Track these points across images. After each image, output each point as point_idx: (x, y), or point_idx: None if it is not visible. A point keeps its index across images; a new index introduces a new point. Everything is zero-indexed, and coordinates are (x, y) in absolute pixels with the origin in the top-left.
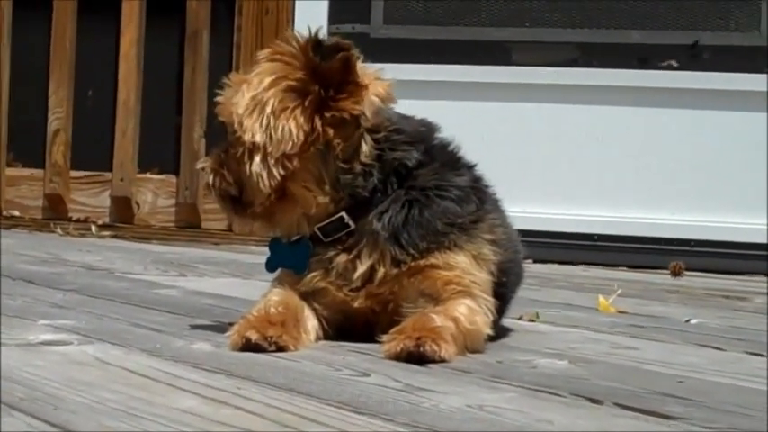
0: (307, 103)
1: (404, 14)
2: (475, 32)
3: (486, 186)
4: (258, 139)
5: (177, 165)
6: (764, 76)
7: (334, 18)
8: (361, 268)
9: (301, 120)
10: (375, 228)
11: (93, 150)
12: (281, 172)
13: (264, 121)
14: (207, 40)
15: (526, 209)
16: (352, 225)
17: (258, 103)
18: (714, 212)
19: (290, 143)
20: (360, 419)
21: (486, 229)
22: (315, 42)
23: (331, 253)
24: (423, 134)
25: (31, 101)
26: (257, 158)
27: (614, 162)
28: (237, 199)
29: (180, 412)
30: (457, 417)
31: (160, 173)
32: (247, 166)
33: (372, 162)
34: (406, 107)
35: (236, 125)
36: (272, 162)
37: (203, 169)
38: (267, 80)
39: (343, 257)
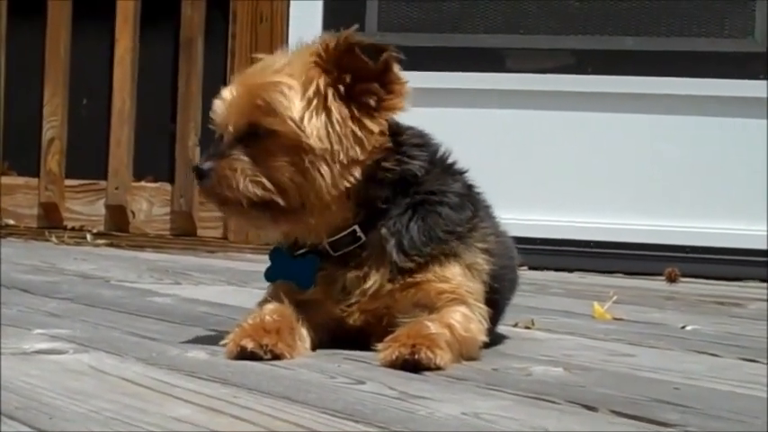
0: (365, 107)
1: (398, 21)
2: (469, 39)
3: (478, 193)
4: (326, 144)
5: (172, 173)
6: (759, 82)
7: (328, 25)
8: (370, 282)
9: (369, 124)
10: (385, 242)
11: (87, 158)
12: (349, 179)
13: (331, 127)
14: (201, 47)
15: (521, 216)
16: (364, 238)
17: (318, 108)
18: (709, 219)
19: (358, 149)
20: (355, 428)
21: (479, 238)
22: (364, 45)
23: (339, 270)
24: (425, 140)
25: (26, 109)
26: (323, 164)
27: (610, 169)
28: (273, 205)
29: (175, 421)
30: (452, 424)
31: (155, 181)
32: (312, 172)
33: (393, 168)
34: (400, 115)
35: (293, 130)
36: (337, 168)
37: (227, 173)
38: (319, 83)
39: (352, 274)
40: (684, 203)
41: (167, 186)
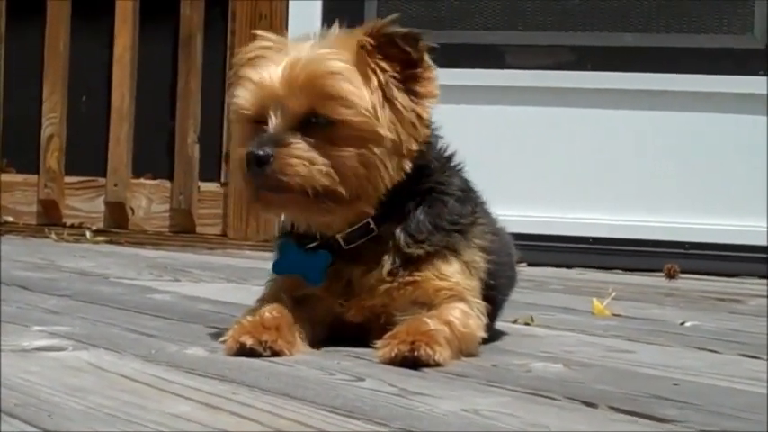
0: (415, 96)
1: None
2: (468, 36)
3: (474, 189)
4: (394, 135)
5: (171, 170)
6: (759, 78)
7: (327, 22)
8: (373, 273)
9: (422, 113)
10: (397, 235)
11: (87, 156)
12: (405, 170)
13: (396, 117)
14: (200, 45)
15: (520, 212)
16: (376, 231)
17: (383, 99)
18: (708, 215)
19: (413, 139)
20: (354, 424)
21: (478, 235)
22: (409, 35)
23: (346, 265)
24: (432, 132)
25: (25, 106)
26: (389, 156)
27: (609, 165)
28: (335, 196)
29: (174, 418)
30: (452, 421)
31: (154, 178)
32: (378, 164)
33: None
34: None
35: (366, 121)
36: (396, 160)
37: (292, 161)
38: (379, 74)
39: (358, 269)
40: (684, 200)
41: (167, 183)
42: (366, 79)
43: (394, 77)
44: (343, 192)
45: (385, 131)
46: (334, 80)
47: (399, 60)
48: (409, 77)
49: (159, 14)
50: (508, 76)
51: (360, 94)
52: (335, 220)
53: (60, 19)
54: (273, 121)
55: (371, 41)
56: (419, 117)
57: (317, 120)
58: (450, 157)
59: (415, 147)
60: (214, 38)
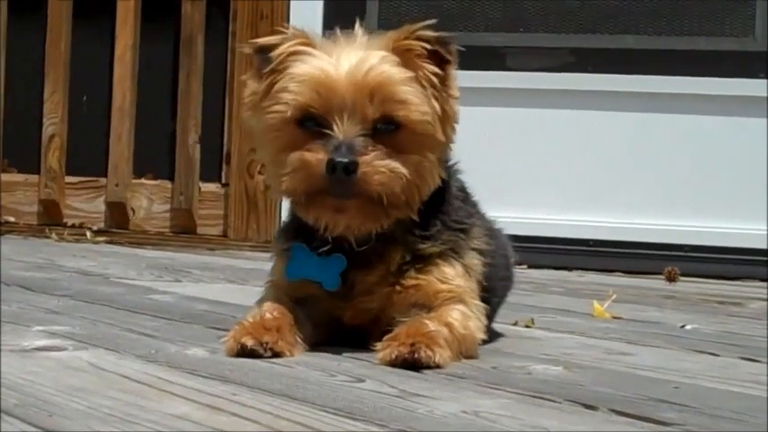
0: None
1: (398, 19)
2: (469, 38)
3: (468, 190)
4: (447, 140)
5: (172, 170)
6: (760, 81)
7: (328, 22)
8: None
9: (457, 117)
10: (409, 232)
11: (88, 155)
12: (443, 175)
13: (447, 123)
14: (202, 44)
15: (520, 214)
16: (390, 231)
17: (435, 104)
18: (708, 218)
19: (450, 145)
20: (355, 425)
21: (476, 236)
22: (443, 38)
23: (355, 267)
24: None
25: (26, 106)
26: (439, 161)
27: (609, 167)
28: (396, 202)
29: (174, 418)
30: (452, 423)
31: (155, 178)
32: (430, 169)
33: None
34: None
35: (427, 126)
36: (440, 164)
37: (378, 169)
38: (430, 77)
39: (365, 271)
40: (684, 202)
41: (167, 184)
42: (421, 84)
43: (435, 81)
44: (403, 198)
45: (441, 137)
46: (402, 85)
47: (436, 64)
48: (443, 80)
49: (160, 14)
50: (509, 77)
51: (420, 99)
52: (379, 225)
53: (61, 19)
54: (342, 126)
55: (421, 44)
56: (454, 119)
57: (385, 126)
58: (447, 157)
59: (450, 150)
60: (215, 37)
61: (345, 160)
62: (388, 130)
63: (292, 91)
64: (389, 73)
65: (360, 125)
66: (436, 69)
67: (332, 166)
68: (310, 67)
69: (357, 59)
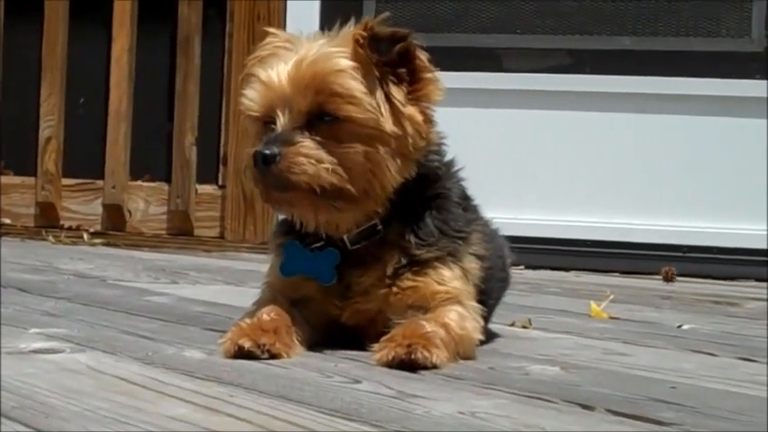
0: (417, 97)
1: (394, 21)
2: (465, 39)
3: (469, 196)
4: (400, 131)
5: (169, 172)
6: (756, 81)
7: (325, 24)
8: (376, 273)
9: (425, 114)
10: (407, 236)
11: (84, 158)
12: (411, 170)
13: (399, 115)
14: (198, 46)
15: (517, 215)
16: (383, 232)
17: (384, 96)
18: (706, 218)
19: (419, 139)
20: (351, 426)
21: (475, 242)
22: (394, 34)
23: (349, 266)
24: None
25: (23, 108)
26: (395, 153)
27: (606, 168)
28: (343, 194)
29: (171, 420)
30: (449, 423)
31: (152, 180)
32: (385, 161)
33: (424, 164)
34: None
35: (373, 117)
36: (400, 158)
37: (299, 159)
38: (377, 71)
39: (361, 271)
40: (681, 203)
41: (164, 186)
42: (369, 76)
43: (389, 75)
44: (352, 189)
45: (390, 128)
46: (340, 77)
47: (392, 59)
48: (404, 76)
49: (157, 16)
50: (505, 79)
51: (364, 91)
52: (344, 219)
53: (58, 20)
54: (281, 121)
55: (364, 34)
56: (423, 117)
57: (324, 118)
58: (450, 163)
59: (420, 146)
60: (212, 39)
61: (266, 152)
62: (328, 121)
63: (246, 96)
64: (328, 66)
65: (296, 118)
66: (380, 63)
67: (255, 157)
68: (265, 69)
69: (304, 55)
